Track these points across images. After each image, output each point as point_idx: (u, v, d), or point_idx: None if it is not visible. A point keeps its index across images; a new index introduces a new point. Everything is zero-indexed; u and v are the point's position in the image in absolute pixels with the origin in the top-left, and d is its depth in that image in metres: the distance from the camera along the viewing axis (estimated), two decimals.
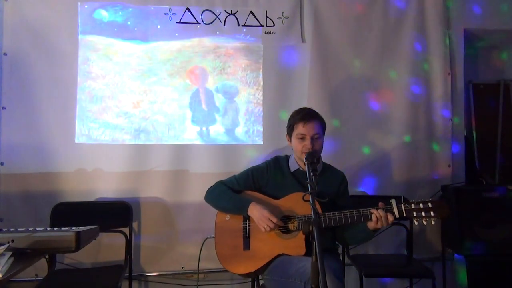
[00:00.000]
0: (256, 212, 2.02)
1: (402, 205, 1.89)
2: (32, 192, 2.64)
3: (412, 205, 1.89)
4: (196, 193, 2.66)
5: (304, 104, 2.68)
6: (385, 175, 2.96)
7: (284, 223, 2.03)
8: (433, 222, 1.87)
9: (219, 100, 2.87)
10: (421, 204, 1.88)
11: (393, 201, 1.90)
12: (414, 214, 1.88)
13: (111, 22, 2.79)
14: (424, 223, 1.87)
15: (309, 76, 2.92)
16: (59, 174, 2.68)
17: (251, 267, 2.03)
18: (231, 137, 2.86)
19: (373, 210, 1.89)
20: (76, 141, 2.72)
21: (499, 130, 3.35)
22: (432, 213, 1.86)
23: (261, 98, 2.89)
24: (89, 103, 2.75)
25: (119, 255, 2.61)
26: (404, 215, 1.88)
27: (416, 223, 1.89)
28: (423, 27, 3.03)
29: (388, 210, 1.89)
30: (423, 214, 1.87)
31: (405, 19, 3.02)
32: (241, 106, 2.89)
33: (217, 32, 2.87)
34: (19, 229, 1.58)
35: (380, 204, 1.90)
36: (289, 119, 2.16)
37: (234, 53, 2.89)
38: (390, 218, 1.87)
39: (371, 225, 1.91)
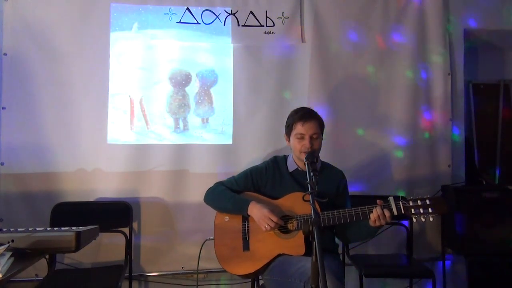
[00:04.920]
0: (256, 211, 2.02)
1: (400, 202, 1.88)
2: (32, 192, 2.64)
3: (410, 202, 1.89)
4: (196, 193, 2.65)
5: (304, 104, 2.67)
6: (385, 175, 2.96)
7: (283, 222, 2.02)
8: (431, 219, 1.87)
9: (219, 100, 2.87)
10: (419, 201, 1.88)
11: (391, 199, 1.90)
12: (412, 211, 1.88)
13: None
14: (423, 219, 1.87)
15: (309, 76, 2.91)
16: (59, 174, 2.68)
17: (251, 268, 2.03)
18: (230, 137, 2.86)
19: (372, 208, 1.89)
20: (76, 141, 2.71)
21: (499, 130, 3.35)
22: (430, 210, 1.86)
23: (262, 98, 2.89)
24: None
25: (119, 255, 2.61)
26: (403, 212, 1.88)
27: (414, 220, 1.89)
28: (423, 27, 3.02)
29: (386, 207, 1.88)
30: (421, 211, 1.87)
31: (405, 19, 3.01)
32: (241, 107, 2.88)
33: (217, 32, 2.87)
34: (19, 229, 1.59)
35: (378, 201, 1.90)
36: (288, 118, 2.17)
37: (234, 53, 2.88)
38: (387, 214, 1.86)
39: (371, 222, 1.91)
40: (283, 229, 2.03)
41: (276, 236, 2.03)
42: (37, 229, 1.58)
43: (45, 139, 2.68)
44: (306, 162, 1.82)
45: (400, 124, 2.99)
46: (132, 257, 2.64)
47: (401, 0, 3.02)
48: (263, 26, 2.90)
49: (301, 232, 1.97)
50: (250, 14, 2.89)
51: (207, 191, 2.22)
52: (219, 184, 2.22)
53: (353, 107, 2.95)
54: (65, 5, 2.72)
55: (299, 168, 2.15)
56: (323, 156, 2.24)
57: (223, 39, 2.87)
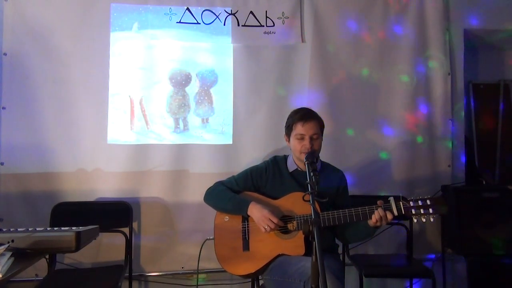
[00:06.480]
0: (256, 212, 2.02)
1: (401, 202, 1.88)
2: (32, 192, 2.65)
3: (411, 202, 1.89)
4: (196, 193, 2.65)
5: (304, 104, 2.67)
6: (385, 175, 2.96)
7: (283, 223, 2.02)
8: (431, 219, 1.87)
9: (219, 100, 2.87)
10: (419, 202, 1.88)
11: (391, 199, 1.90)
12: (413, 211, 1.87)
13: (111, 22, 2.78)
14: (423, 220, 1.87)
15: (309, 76, 2.92)
16: (59, 174, 2.68)
17: (251, 268, 2.03)
18: (230, 137, 2.86)
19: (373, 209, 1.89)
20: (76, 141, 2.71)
21: (499, 130, 3.35)
22: (430, 210, 1.86)
23: (262, 98, 2.89)
24: None
25: (119, 255, 2.61)
26: (403, 212, 1.87)
27: (415, 220, 1.89)
28: (423, 27, 3.02)
29: (387, 208, 1.88)
30: (422, 211, 1.87)
31: (405, 19, 3.01)
32: (241, 107, 2.88)
33: (217, 32, 2.87)
34: (19, 229, 1.59)
35: (378, 202, 1.90)
36: (288, 119, 2.16)
37: (234, 53, 2.88)
38: (389, 216, 1.86)
39: (370, 223, 1.91)
40: (283, 229, 2.03)
41: (276, 236, 2.03)
42: (37, 229, 1.59)
43: (45, 139, 2.68)
44: (306, 162, 1.82)
45: (400, 124, 2.98)
46: (132, 257, 2.64)
47: (401, 1, 3.02)
48: (263, 26, 2.90)
49: (301, 232, 1.97)
50: (250, 14, 2.89)
51: (207, 191, 2.22)
52: (219, 184, 2.22)
53: (353, 107, 2.95)
54: (65, 5, 2.72)
55: (299, 169, 2.15)
56: (323, 156, 2.24)
57: (223, 39, 2.87)
